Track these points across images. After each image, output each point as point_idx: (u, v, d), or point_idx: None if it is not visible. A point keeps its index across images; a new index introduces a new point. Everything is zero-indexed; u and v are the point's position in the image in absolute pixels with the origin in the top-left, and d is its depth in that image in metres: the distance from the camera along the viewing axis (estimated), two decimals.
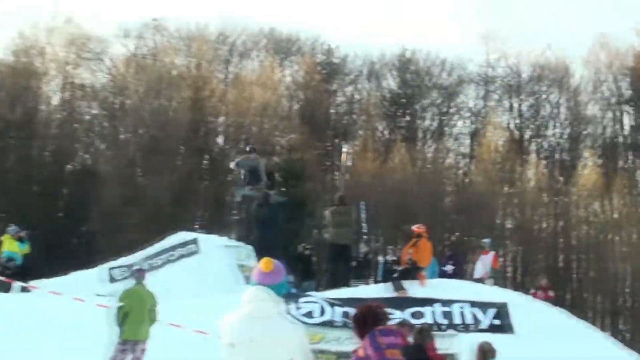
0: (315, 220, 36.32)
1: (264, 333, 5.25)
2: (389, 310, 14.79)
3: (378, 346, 5.47)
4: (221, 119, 47.78)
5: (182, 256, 20.32)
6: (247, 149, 20.51)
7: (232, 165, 21.66)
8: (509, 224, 48.17)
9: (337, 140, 48.96)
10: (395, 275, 17.18)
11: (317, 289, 20.10)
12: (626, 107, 51.46)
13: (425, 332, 10.14)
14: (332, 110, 50.94)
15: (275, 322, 5.30)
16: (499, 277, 32.14)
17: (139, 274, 13.82)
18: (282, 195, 22.63)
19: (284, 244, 23.49)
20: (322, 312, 15.61)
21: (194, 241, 20.65)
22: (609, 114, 51.52)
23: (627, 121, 51.45)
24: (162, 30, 48.88)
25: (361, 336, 5.61)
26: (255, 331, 5.26)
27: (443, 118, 51.72)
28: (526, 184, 47.79)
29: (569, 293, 46.73)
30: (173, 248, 20.61)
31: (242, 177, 20.88)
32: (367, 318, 5.62)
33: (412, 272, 16.77)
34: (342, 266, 18.63)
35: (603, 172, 48.11)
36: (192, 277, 18.90)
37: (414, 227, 17.24)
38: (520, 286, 41.03)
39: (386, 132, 51.83)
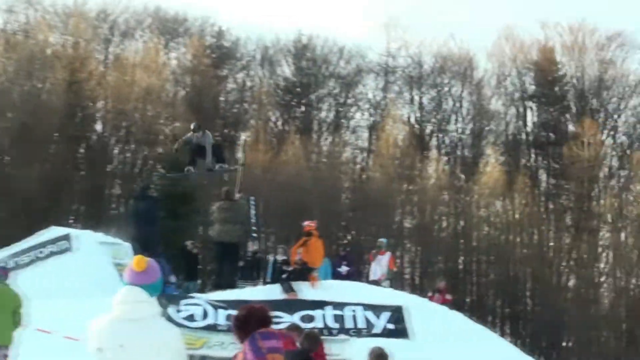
0: (201, 216, 36.07)
1: (136, 337, 5.15)
2: (278, 313, 14.84)
3: (258, 350, 5.44)
4: (100, 103, 46.91)
5: (52, 253, 19.81)
6: (192, 127, 20.03)
7: (175, 146, 21.01)
8: (407, 223, 48.91)
9: (226, 130, 48.76)
10: (285, 276, 17.20)
11: (202, 290, 19.97)
12: (530, 103, 52.93)
13: (312, 337, 10.15)
14: (221, 98, 50.69)
15: (148, 326, 5.20)
16: (396, 279, 32.60)
17: (2, 272, 13.43)
18: (233, 167, 22.20)
19: (167, 241, 23.22)
20: (205, 315, 15.50)
21: (66, 237, 20.15)
22: (513, 110, 52.91)
23: (531, 118, 52.94)
24: (36, 4, 47.63)
25: (242, 340, 5.56)
26: (126, 335, 5.16)
27: (340, 109, 52.13)
28: (426, 181, 48.59)
29: (469, 296, 47.74)
30: (43, 245, 20.06)
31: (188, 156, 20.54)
32: (249, 320, 5.57)
33: (303, 273, 16.81)
34: (229, 266, 18.51)
35: (505, 170, 49.37)
36: (63, 277, 18.46)
37: (304, 224, 17.28)
38: (418, 288, 41.70)
39: (279, 123, 51.90)
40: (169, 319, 13.87)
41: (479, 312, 45.24)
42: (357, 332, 15.44)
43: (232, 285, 18.19)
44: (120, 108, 45.34)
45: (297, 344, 10.10)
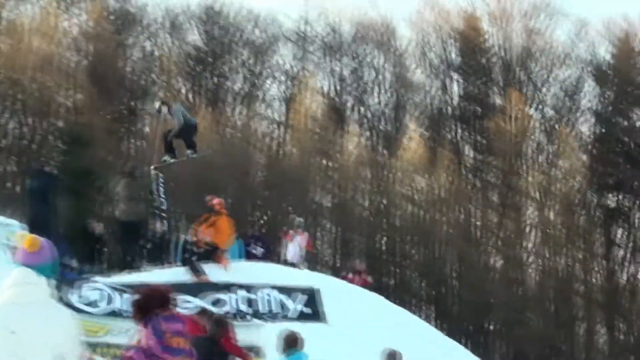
0: (105, 194, 35.71)
1: (27, 322, 5.12)
2: (186, 297, 14.83)
3: (161, 334, 5.47)
4: None
5: None
6: (156, 107, 18.95)
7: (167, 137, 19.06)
8: (326, 202, 49.12)
9: (132, 103, 48.24)
10: (194, 257, 17.17)
11: (105, 274, 19.81)
12: (454, 75, 53.49)
13: (220, 322, 10.21)
14: (127, 68, 50.04)
15: (40, 309, 5.17)
16: (313, 260, 32.83)
17: None
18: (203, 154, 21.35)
19: (67, 221, 22.95)
20: (109, 300, 15.41)
21: None
22: (436, 82, 53.39)
23: (455, 90, 53.49)
24: None
25: (143, 323, 5.59)
26: (17, 320, 5.13)
27: (254, 80, 51.93)
28: (346, 157, 48.82)
29: (391, 278, 48.26)
30: None
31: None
32: (150, 302, 5.61)
33: (212, 254, 16.81)
34: (134, 247, 18.41)
35: (429, 145, 49.89)
36: None
37: (212, 201, 17.27)
38: (337, 270, 41.96)
39: (189, 94, 51.50)
40: (69, 305, 13.76)
41: (401, 294, 45.81)
42: (270, 316, 15.54)
43: (137, 268, 18.09)
44: (14, 78, 44.37)
45: (206, 330, 10.16)
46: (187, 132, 18.59)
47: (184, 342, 5.53)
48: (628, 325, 48.51)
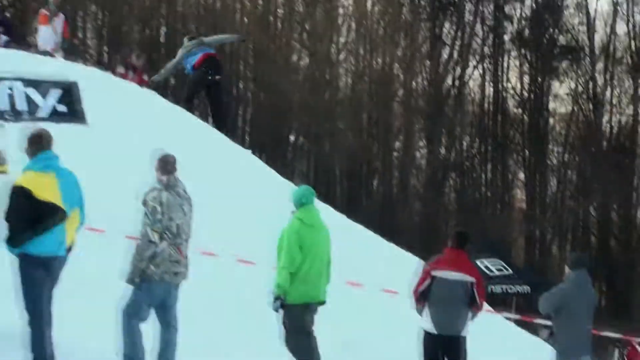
0: None
1: None
2: None
3: None
4: None
5: None
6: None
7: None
8: None
9: None
10: None
11: None
12: None
13: None
14: None
15: None
16: (73, 52, 32.29)
17: None
18: None
19: None
20: None
21: None
22: None
23: None
24: None
25: None
26: None
27: None
28: None
29: (172, 75, 48.07)
30: None
31: None
32: None
33: None
34: None
35: None
36: None
37: None
38: (105, 65, 41.53)
39: None
40: None
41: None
42: (15, 115, 15.36)
43: None
44: None
45: None
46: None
47: None
48: (450, 138, 50.03)
